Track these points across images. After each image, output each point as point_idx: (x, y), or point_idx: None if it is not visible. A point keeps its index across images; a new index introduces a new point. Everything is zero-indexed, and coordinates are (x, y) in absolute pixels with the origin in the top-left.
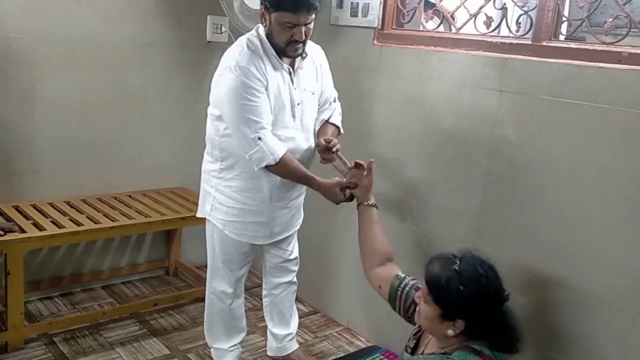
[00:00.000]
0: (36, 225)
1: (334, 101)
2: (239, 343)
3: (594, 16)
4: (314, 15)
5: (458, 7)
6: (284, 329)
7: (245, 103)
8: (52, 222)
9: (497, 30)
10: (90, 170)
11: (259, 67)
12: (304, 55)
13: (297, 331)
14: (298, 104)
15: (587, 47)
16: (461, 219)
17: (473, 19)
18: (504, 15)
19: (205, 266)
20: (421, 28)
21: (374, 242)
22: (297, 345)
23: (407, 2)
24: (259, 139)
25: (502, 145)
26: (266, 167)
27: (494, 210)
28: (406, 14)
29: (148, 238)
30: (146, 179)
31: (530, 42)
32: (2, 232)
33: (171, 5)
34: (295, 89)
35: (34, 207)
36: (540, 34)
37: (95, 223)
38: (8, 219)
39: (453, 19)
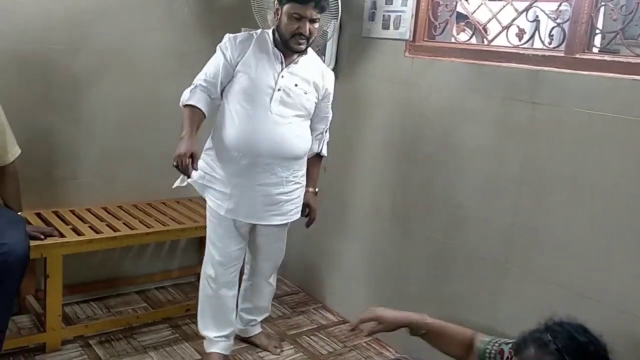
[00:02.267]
0: (75, 230)
1: (326, 132)
2: (227, 336)
3: (629, 28)
4: (319, 16)
5: (490, 19)
6: (250, 314)
7: (215, 55)
8: (90, 227)
9: (529, 43)
10: (127, 177)
11: (243, 45)
12: (305, 53)
13: (327, 339)
14: (279, 89)
15: (620, 59)
16: (493, 231)
17: (505, 31)
18: (537, 28)
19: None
20: (453, 40)
21: (452, 343)
22: (260, 330)
23: (439, 14)
24: (194, 86)
25: (534, 157)
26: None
27: (526, 222)
28: (438, 26)
29: (181, 245)
30: (180, 187)
31: (563, 55)
32: (42, 236)
33: (206, 16)
34: (282, 77)
35: (73, 212)
36: (574, 46)
37: (131, 229)
38: (48, 223)
39: (485, 31)
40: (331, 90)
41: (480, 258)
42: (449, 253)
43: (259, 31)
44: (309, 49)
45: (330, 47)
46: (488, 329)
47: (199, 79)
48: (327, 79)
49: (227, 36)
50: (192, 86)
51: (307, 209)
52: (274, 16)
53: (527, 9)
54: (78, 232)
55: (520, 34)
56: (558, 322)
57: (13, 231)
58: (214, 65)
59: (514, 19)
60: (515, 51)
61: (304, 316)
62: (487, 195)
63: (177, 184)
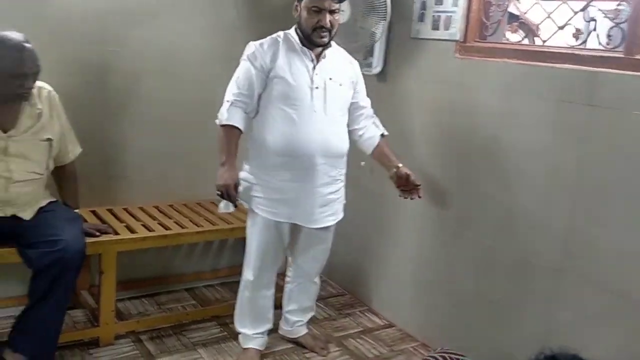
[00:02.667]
0: (128, 227)
1: (374, 114)
2: (264, 332)
3: None
4: (339, 6)
5: (545, 19)
6: (297, 316)
7: (241, 67)
8: (143, 225)
9: (585, 43)
10: (177, 177)
11: (272, 50)
12: (329, 45)
13: (374, 343)
14: (316, 87)
15: None
16: (546, 236)
17: (561, 31)
18: (594, 28)
19: (283, 273)
20: (505, 40)
21: None
22: (306, 330)
23: (490, 14)
24: (228, 102)
25: (591, 161)
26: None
27: (583, 228)
28: (489, 27)
29: (229, 244)
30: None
31: (622, 55)
32: (97, 233)
33: (255, 20)
34: (316, 74)
35: (126, 210)
36: (633, 46)
37: (182, 228)
38: (103, 221)
39: (538, 31)
40: (361, 77)
41: (533, 264)
42: (499, 258)
43: (281, 34)
44: (332, 42)
45: (379, 49)
46: (542, 337)
47: (232, 94)
48: (355, 66)
49: (251, 45)
50: (227, 103)
51: (409, 182)
52: (294, 13)
53: (583, 9)
54: (131, 230)
55: (577, 34)
56: (550, 355)
57: (70, 228)
58: (246, 77)
59: (569, 19)
60: (572, 52)
61: (350, 318)
62: (541, 200)
63: (222, 209)
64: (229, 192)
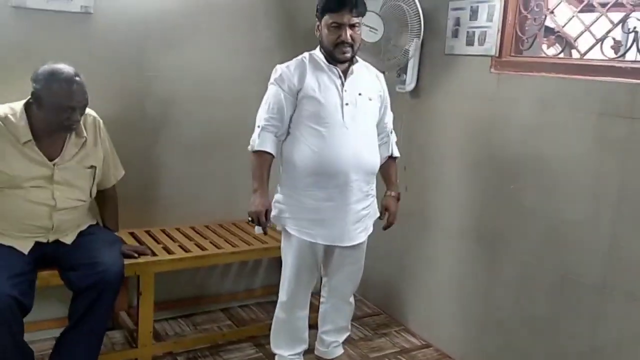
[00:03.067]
0: (165, 249)
1: (391, 133)
2: (300, 353)
3: None
4: (358, 20)
5: (583, 32)
6: (332, 336)
7: (269, 91)
8: (180, 246)
9: (625, 55)
10: (213, 197)
11: (299, 71)
12: (355, 60)
13: None
14: (347, 104)
15: None
16: (589, 253)
17: (600, 43)
18: (635, 39)
19: (317, 293)
20: (542, 54)
21: None
22: (342, 351)
23: (526, 28)
24: (258, 127)
25: (634, 175)
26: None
27: (627, 244)
28: (526, 41)
29: (264, 264)
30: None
31: None
32: (136, 255)
33: (288, 41)
34: (345, 91)
35: (164, 231)
36: None
37: (218, 248)
38: (141, 242)
39: (576, 44)
40: (386, 91)
41: (575, 281)
42: (540, 275)
43: (306, 54)
44: (357, 57)
45: (412, 66)
46: (587, 356)
47: (263, 119)
48: (381, 81)
49: (278, 68)
50: (258, 129)
51: (387, 213)
52: (316, 33)
53: (623, 20)
54: (169, 251)
55: (616, 46)
56: None
57: (109, 251)
58: (275, 101)
59: (609, 31)
60: (612, 64)
61: (386, 338)
62: (582, 215)
63: (257, 232)
64: (259, 219)
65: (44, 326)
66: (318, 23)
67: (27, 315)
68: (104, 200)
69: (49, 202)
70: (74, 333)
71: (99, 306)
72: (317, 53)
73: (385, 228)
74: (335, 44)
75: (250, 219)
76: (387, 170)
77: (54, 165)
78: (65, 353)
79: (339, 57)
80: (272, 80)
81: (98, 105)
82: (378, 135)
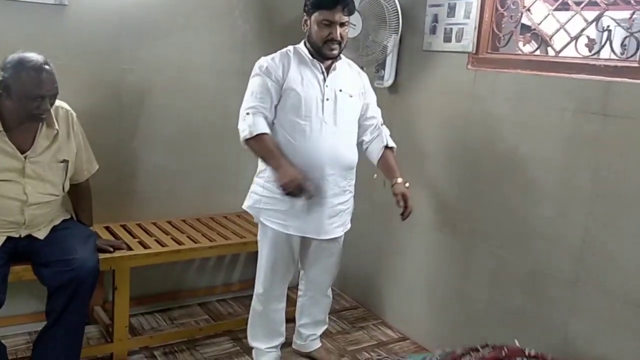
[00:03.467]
0: (141, 243)
1: (382, 125)
2: (277, 346)
3: None
4: (348, 19)
5: (558, 30)
6: (310, 329)
7: (254, 82)
8: (156, 240)
9: (599, 53)
10: (190, 192)
11: (283, 63)
12: (338, 57)
13: (388, 356)
14: (327, 99)
15: None
16: (562, 248)
17: (574, 41)
18: (608, 37)
19: (295, 287)
20: (518, 52)
21: None
22: (320, 344)
23: (503, 25)
24: (247, 114)
25: (606, 171)
26: (246, 142)
27: (599, 238)
28: (502, 38)
29: (242, 258)
30: (241, 201)
31: (637, 65)
32: (111, 249)
33: (267, 35)
34: (327, 86)
35: (139, 226)
36: None
37: (195, 242)
38: (116, 237)
39: (551, 41)
40: (369, 87)
41: (548, 275)
42: (514, 269)
43: (290, 48)
44: (341, 54)
45: (390, 62)
46: (559, 347)
47: (250, 107)
48: (363, 77)
49: (262, 60)
50: (248, 115)
51: (402, 201)
52: (303, 27)
53: (597, 19)
54: (145, 245)
55: (590, 44)
56: None
57: (84, 246)
58: (262, 90)
59: (583, 29)
60: (586, 62)
61: (363, 332)
62: (555, 211)
63: (300, 201)
64: (300, 186)
65: (17, 321)
66: (306, 18)
67: None
68: (77, 194)
69: (21, 196)
70: (53, 331)
71: (76, 303)
72: (302, 47)
73: (404, 217)
74: (325, 41)
75: (288, 191)
76: (386, 161)
77: (25, 158)
78: (46, 352)
79: (326, 53)
80: (256, 71)
81: (73, 99)
82: (366, 130)
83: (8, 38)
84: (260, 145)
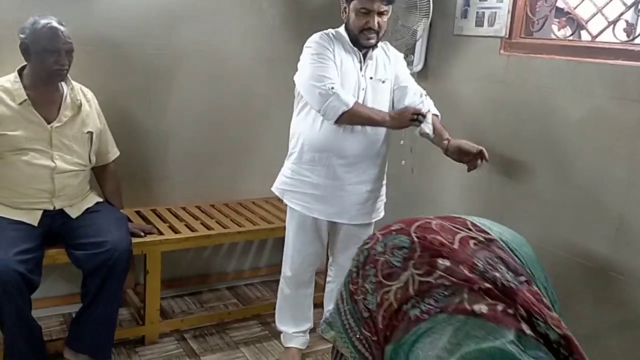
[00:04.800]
0: (172, 228)
1: (424, 96)
2: (305, 331)
3: None
4: (387, 8)
5: (595, 14)
6: None
7: (316, 65)
8: (186, 225)
9: (637, 38)
10: (219, 177)
11: (331, 44)
12: (375, 46)
13: None
14: (363, 89)
15: None
16: (596, 236)
17: (612, 26)
18: None
19: (322, 272)
20: (552, 36)
21: None
22: None
23: (537, 9)
24: (332, 89)
25: None
26: (341, 116)
27: (635, 228)
28: (536, 22)
29: (269, 243)
30: (269, 186)
31: None
32: (142, 233)
33: (295, 20)
34: (362, 75)
35: (170, 210)
36: None
37: (224, 228)
38: (147, 221)
39: (587, 26)
40: (402, 61)
41: (581, 264)
42: (545, 258)
43: (332, 31)
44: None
45: (420, 47)
46: (590, 337)
47: (325, 82)
48: (397, 56)
49: (312, 38)
50: (330, 95)
51: (462, 152)
52: (342, 15)
53: (636, 2)
54: (175, 230)
55: (629, 28)
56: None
57: (116, 229)
58: (326, 61)
59: (622, 13)
60: (624, 47)
61: None
62: (589, 199)
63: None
64: (413, 114)
65: (51, 303)
66: (345, 5)
67: (34, 292)
68: (104, 176)
69: (49, 164)
70: (89, 314)
71: (110, 285)
72: (342, 32)
73: (472, 168)
74: (362, 30)
75: (414, 117)
76: (435, 126)
77: (51, 127)
78: (82, 332)
79: (363, 42)
80: (313, 49)
81: (102, 84)
82: (408, 95)
83: None
84: (360, 113)
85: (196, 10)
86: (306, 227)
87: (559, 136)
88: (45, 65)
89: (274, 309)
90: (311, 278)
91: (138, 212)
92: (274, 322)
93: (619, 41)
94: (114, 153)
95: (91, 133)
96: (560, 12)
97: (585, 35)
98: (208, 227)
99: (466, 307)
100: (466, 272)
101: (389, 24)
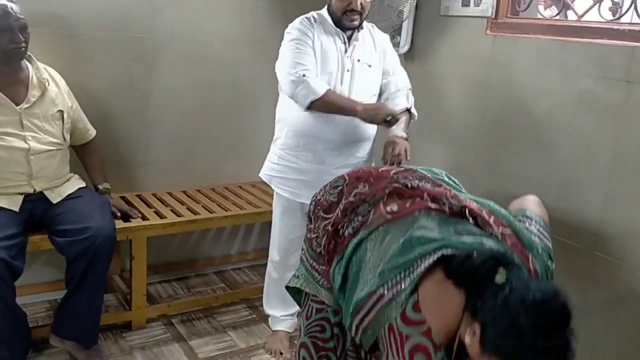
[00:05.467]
0: (157, 213)
1: (409, 91)
2: (293, 314)
3: None
4: None
5: None
6: None
7: (293, 51)
8: (172, 210)
9: (622, 17)
10: (205, 162)
11: (310, 29)
12: (361, 28)
13: None
14: (347, 70)
15: None
16: (580, 217)
17: (597, 5)
18: (633, 1)
19: None
20: (538, 16)
21: None
22: None
23: None
24: (304, 76)
25: (629, 140)
26: (311, 104)
27: (619, 208)
28: (522, 2)
29: (256, 227)
30: (256, 170)
31: None
32: (118, 214)
33: (279, 1)
34: (347, 57)
35: (155, 196)
36: None
37: (210, 212)
38: (132, 206)
39: (573, 5)
40: (389, 47)
41: (566, 244)
42: None
43: (314, 14)
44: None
45: (406, 27)
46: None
47: (299, 68)
48: (382, 40)
49: (292, 25)
50: (303, 78)
51: (384, 157)
52: None
53: None
54: (161, 215)
55: (614, 7)
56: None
57: (100, 215)
58: (303, 49)
59: None
60: (609, 26)
61: None
62: (574, 180)
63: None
64: (384, 110)
65: (37, 290)
66: None
67: (17, 278)
68: (86, 155)
69: (23, 146)
70: (73, 299)
71: (94, 270)
72: (325, 14)
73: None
74: (344, 11)
75: (388, 118)
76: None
77: (20, 109)
78: (67, 318)
79: (346, 24)
80: (291, 36)
81: (84, 68)
82: (394, 90)
83: (21, 8)
84: (329, 99)
85: None
86: (293, 211)
87: (544, 116)
88: (1, 45)
89: (262, 292)
90: (298, 262)
91: (123, 198)
92: (262, 305)
93: (605, 20)
94: (93, 131)
95: (61, 112)
96: None
97: (571, 15)
98: (194, 212)
99: (381, 210)
100: (383, 184)
101: (375, 4)
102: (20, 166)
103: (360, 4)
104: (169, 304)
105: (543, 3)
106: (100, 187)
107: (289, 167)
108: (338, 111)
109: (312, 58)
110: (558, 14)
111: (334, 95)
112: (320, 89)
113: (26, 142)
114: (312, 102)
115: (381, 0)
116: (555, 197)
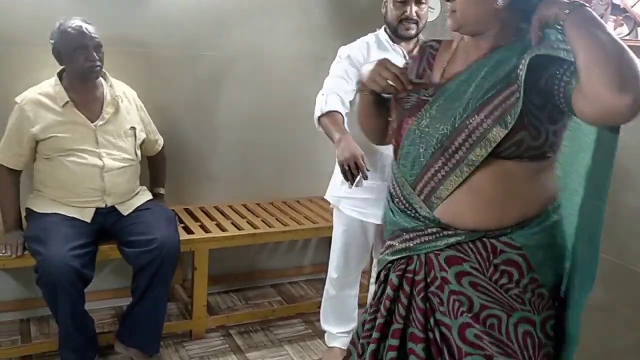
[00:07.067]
0: (219, 226)
1: None
2: (349, 332)
3: None
4: None
5: None
6: None
7: (333, 68)
8: (232, 223)
9: None
10: (264, 176)
11: (363, 50)
12: (419, 40)
13: None
14: None
15: None
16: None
17: None
18: None
19: (367, 273)
20: None
21: None
22: None
23: (592, 7)
24: (322, 94)
25: None
26: (318, 121)
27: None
28: None
29: (313, 242)
30: (314, 186)
31: None
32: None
33: (342, 20)
34: None
35: (217, 208)
36: None
37: (269, 226)
38: (195, 218)
39: None
40: None
41: (634, 272)
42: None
43: (371, 35)
44: (420, 35)
45: None
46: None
47: (326, 88)
48: None
49: (343, 47)
50: (321, 96)
51: None
52: (382, 9)
53: None
54: (222, 228)
55: None
56: None
57: (165, 227)
58: (340, 73)
59: None
60: None
61: None
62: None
63: (348, 188)
64: (357, 163)
65: (103, 296)
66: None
67: (87, 286)
68: (156, 162)
69: (98, 163)
70: (138, 307)
71: (158, 281)
72: (382, 33)
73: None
74: (400, 20)
75: (345, 167)
76: None
77: (95, 126)
78: (132, 326)
79: (402, 33)
80: (337, 59)
81: (154, 84)
82: None
83: (97, 28)
84: (327, 120)
85: (243, 11)
86: (354, 229)
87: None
88: (77, 64)
89: (318, 307)
90: (356, 279)
91: (187, 210)
92: (318, 320)
93: None
94: (160, 142)
95: (134, 128)
96: (616, 9)
97: None
98: (254, 226)
99: None
100: None
101: (438, 24)
102: (94, 182)
103: (416, 12)
104: (227, 315)
105: (613, 22)
106: (154, 190)
107: (356, 188)
108: (330, 131)
109: (346, 81)
110: (629, 33)
111: (331, 119)
112: (327, 109)
113: (101, 159)
114: (319, 118)
115: (444, 19)
116: (622, 220)
